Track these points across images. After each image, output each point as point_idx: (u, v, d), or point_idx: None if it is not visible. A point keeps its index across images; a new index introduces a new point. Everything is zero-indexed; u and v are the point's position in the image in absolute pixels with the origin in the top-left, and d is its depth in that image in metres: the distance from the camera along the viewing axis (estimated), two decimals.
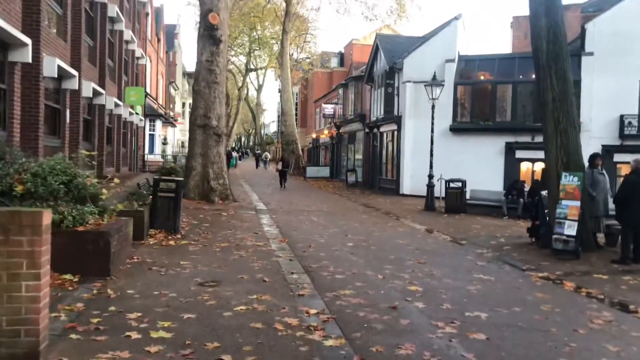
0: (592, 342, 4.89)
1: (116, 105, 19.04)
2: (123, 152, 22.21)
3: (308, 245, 9.72)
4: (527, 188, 16.46)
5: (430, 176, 16.91)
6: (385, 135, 25.74)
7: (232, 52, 58.66)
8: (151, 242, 9.14)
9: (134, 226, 8.96)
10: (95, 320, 4.81)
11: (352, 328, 5.01)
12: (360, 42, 53.21)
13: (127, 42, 21.72)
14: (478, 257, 9.32)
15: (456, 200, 16.12)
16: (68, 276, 6.25)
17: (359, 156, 31.74)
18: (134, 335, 4.49)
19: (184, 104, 53.19)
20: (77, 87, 12.88)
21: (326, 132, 41.54)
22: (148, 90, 29.88)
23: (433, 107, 16.91)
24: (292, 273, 7.19)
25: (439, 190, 17.55)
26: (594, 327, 5.35)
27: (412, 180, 22.22)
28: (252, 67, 62.01)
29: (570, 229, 9.06)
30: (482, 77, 21.93)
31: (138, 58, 25.17)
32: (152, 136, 29.97)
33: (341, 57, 58.22)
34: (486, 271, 8.05)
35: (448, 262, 8.70)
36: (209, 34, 15.50)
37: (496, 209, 15.89)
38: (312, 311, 5.39)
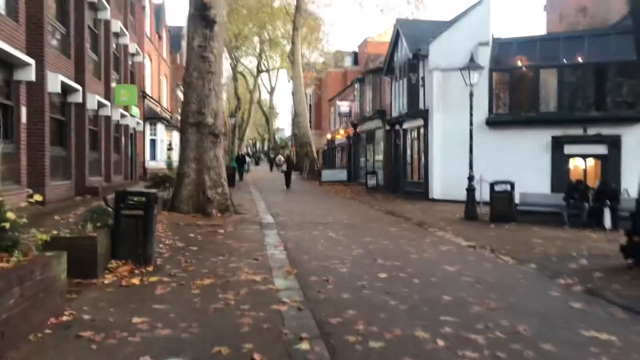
0: None
1: (102, 105, 16.62)
2: (116, 159, 19.82)
3: (325, 278, 7.04)
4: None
5: (471, 178, 14.14)
6: (409, 132, 22.95)
7: (242, 53, 56.49)
8: (106, 281, 6.55)
9: (81, 260, 6.50)
10: None
11: None
12: (375, 39, 50.64)
13: (117, 34, 19.33)
14: (566, 293, 6.57)
15: (504, 207, 13.33)
16: None
17: (379, 157, 28.96)
18: None
19: None
20: (34, 79, 10.39)
21: (342, 132, 38.82)
22: (149, 92, 27.55)
23: (471, 95, 14.16)
24: (301, 339, 4.52)
25: (479, 194, 14.79)
26: None
27: (442, 183, 19.42)
28: (263, 68, 59.58)
29: None
30: (521, 62, 19.06)
31: (133, 55, 22.80)
32: (153, 141, 27.55)
33: (355, 56, 55.90)
34: (595, 322, 5.30)
35: (530, 305, 5.97)
36: (200, 14, 12.95)
37: (553, 217, 13.05)
38: None
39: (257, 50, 57.27)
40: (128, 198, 7.68)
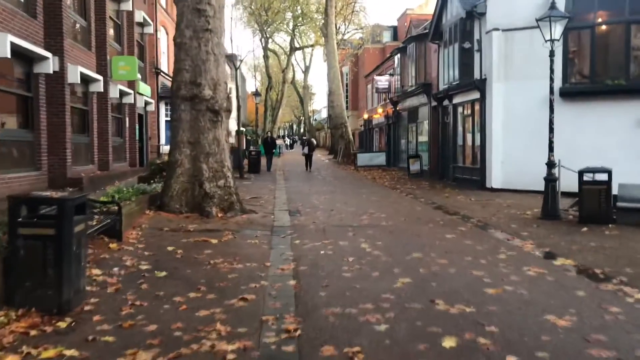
0: None
1: (92, 79, 13.94)
2: (118, 143, 17.25)
3: (347, 351, 3.98)
4: None
5: (551, 164, 10.73)
6: (461, 107, 19.45)
7: (274, 29, 53.34)
8: None
9: None
10: None
11: None
12: (415, 12, 46.67)
13: None
14: None
15: (599, 203, 9.91)
16: None
17: (424, 138, 25.52)
18: None
19: None
20: None
21: (380, 110, 35.34)
22: (164, 68, 24.87)
23: (552, 53, 10.64)
24: None
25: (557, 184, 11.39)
26: None
27: (504, 169, 15.97)
28: (297, 45, 56.19)
29: None
30: (604, 18, 15.28)
31: (142, 25, 20.04)
32: (169, 123, 24.85)
33: (394, 30, 51.94)
34: None
35: None
36: None
37: None
38: None
39: (290, 26, 54.03)
40: (34, 207, 4.84)
